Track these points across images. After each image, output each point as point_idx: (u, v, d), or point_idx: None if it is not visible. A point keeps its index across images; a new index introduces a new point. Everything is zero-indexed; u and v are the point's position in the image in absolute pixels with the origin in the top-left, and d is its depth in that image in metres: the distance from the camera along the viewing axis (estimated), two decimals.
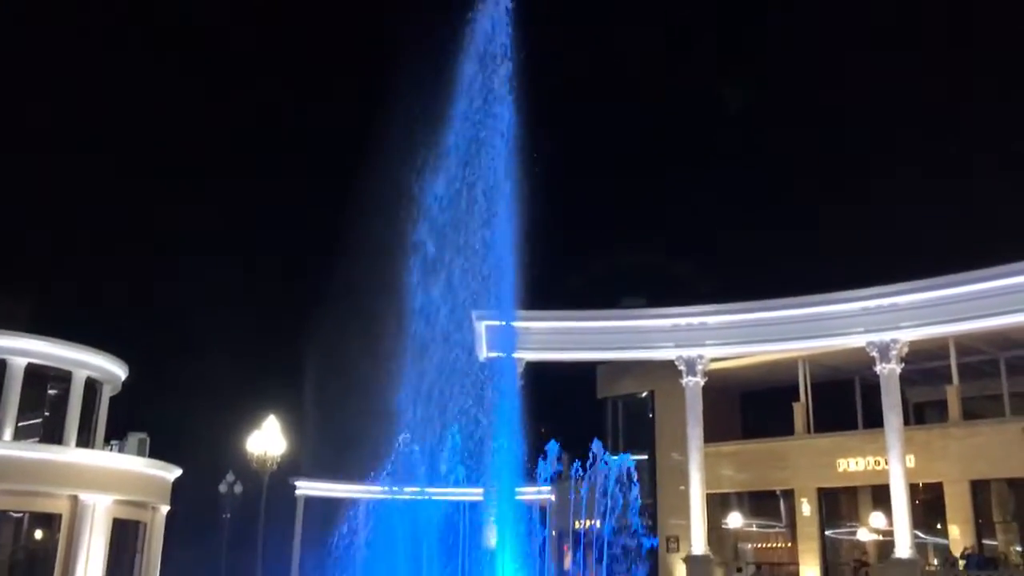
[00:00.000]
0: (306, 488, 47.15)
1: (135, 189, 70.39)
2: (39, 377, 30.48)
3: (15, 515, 28.97)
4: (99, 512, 29.02)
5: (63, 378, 31.08)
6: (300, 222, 76.85)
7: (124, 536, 30.95)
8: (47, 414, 31.33)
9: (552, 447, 21.82)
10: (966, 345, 30.34)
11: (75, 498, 28.61)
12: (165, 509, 33.41)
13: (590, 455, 21.90)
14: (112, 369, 32.93)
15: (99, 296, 60.39)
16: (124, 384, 34.56)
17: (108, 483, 29.53)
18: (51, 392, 31.33)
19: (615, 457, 21.85)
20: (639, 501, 20.83)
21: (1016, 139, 52.19)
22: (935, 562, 29.30)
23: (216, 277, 67.84)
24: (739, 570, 31.30)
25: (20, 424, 29.88)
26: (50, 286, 54.55)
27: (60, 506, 28.65)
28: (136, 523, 31.76)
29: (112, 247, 67.68)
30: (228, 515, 37.02)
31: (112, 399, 34.38)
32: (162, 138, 73.95)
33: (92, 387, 32.30)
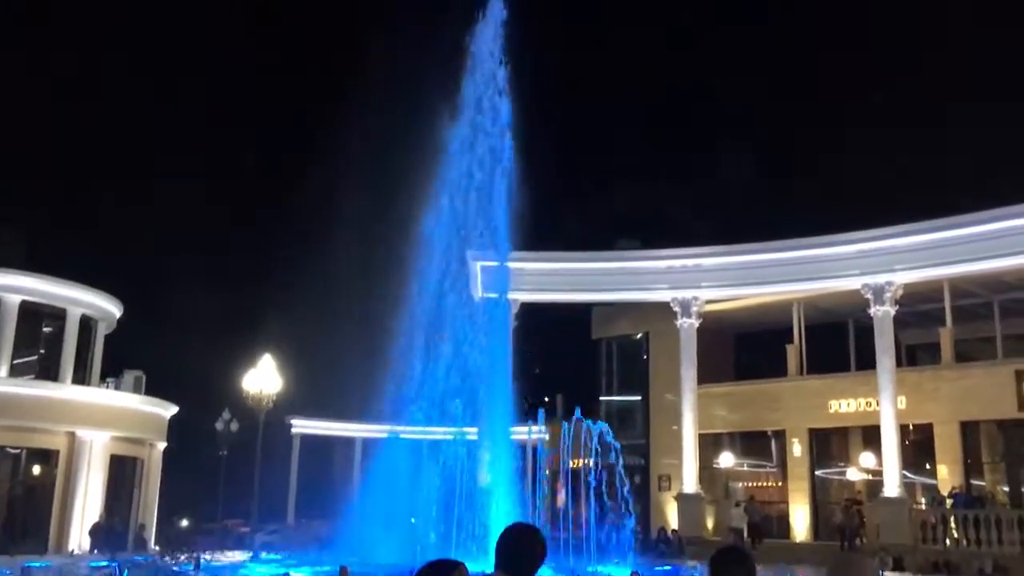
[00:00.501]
0: (302, 426, 47.55)
1: (128, 126, 69.74)
2: (33, 314, 30.46)
3: (12, 451, 29.21)
4: (96, 448, 29.26)
5: (57, 315, 31.06)
6: (294, 160, 76.32)
7: (122, 472, 31.26)
8: (42, 351, 31.40)
9: (540, 415, 22.16)
10: (960, 288, 30.39)
11: (72, 434, 28.81)
12: (162, 446, 33.68)
13: (572, 416, 22.25)
14: (106, 307, 32.90)
15: (94, 234, 60.18)
16: (119, 322, 34.56)
17: (105, 420, 29.72)
18: (46, 330, 31.36)
19: (594, 423, 22.19)
20: (621, 460, 21.18)
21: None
22: (923, 501, 29.71)
23: (212, 214, 67.50)
24: (737, 504, 31.84)
25: (15, 361, 29.96)
26: (45, 223, 54.29)
27: (57, 442, 28.87)
28: (134, 459, 32.05)
29: (108, 185, 67.24)
30: (225, 452, 37.35)
31: (107, 337, 34.42)
32: (152, 75, 73.04)
33: (87, 325, 32.30)
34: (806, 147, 65.95)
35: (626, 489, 21.10)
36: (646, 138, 75.47)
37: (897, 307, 29.22)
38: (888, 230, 29.03)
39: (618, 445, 21.45)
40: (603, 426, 21.61)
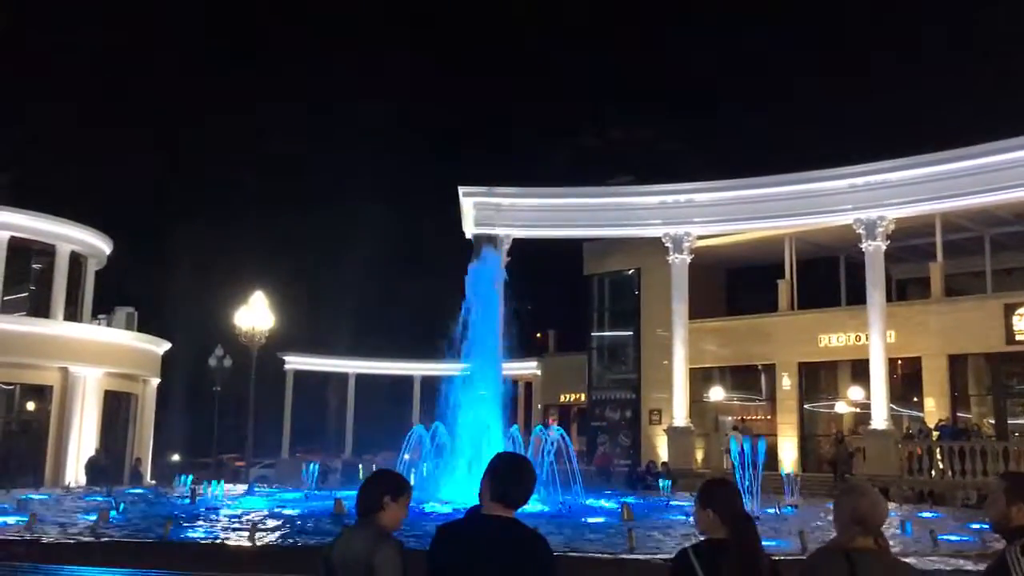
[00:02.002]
0: (295, 362, 47.82)
1: (118, 60, 68.63)
2: (23, 251, 30.32)
3: (6, 387, 29.34)
4: (90, 384, 29.38)
5: (47, 252, 30.91)
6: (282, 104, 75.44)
7: (116, 407, 31.45)
8: (33, 288, 31.32)
9: (514, 431, 22.26)
10: (952, 222, 30.36)
11: (65, 370, 28.90)
12: (156, 382, 33.83)
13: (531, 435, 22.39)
14: (96, 243, 32.74)
15: (83, 169, 59.54)
16: (110, 258, 34.42)
17: (98, 356, 29.79)
18: (36, 266, 31.25)
19: (549, 428, 22.36)
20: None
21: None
22: (909, 432, 30.06)
23: (205, 151, 66.87)
24: (735, 428, 32.33)
25: (6, 298, 29.90)
26: (35, 159, 53.67)
27: (51, 378, 28.97)
28: (128, 395, 32.22)
29: (97, 120, 66.35)
30: (218, 388, 37.56)
31: (98, 273, 34.31)
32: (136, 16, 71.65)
33: (77, 261, 32.17)
34: (800, 82, 65.35)
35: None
36: (640, 74, 74.65)
37: (888, 242, 29.23)
38: (881, 164, 28.91)
39: (571, 446, 21.59)
40: (558, 433, 21.86)
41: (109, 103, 69.73)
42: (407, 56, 70.75)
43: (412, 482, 4.68)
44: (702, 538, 4.16)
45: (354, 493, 4.46)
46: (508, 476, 4.19)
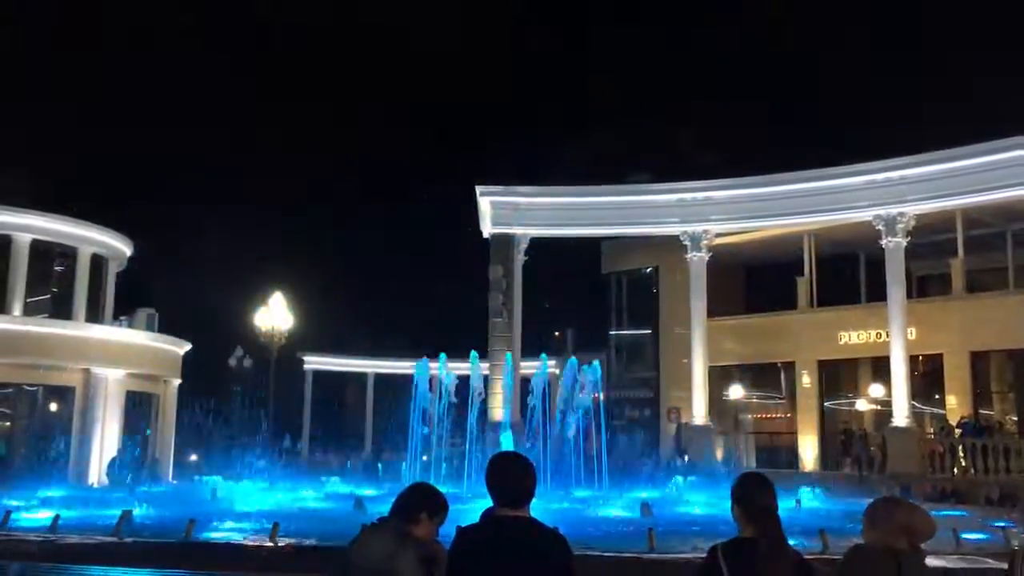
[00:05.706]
0: (314, 362, 48.00)
1: (137, 58, 69.11)
2: (44, 253, 30.58)
3: (30, 388, 29.60)
4: (112, 385, 29.60)
5: (68, 254, 31.18)
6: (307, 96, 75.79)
7: (138, 408, 31.67)
8: (54, 290, 31.58)
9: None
10: (973, 218, 30.13)
11: (88, 371, 29.13)
12: (177, 382, 34.04)
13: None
14: (117, 245, 32.99)
15: (104, 172, 59.99)
16: (130, 260, 34.64)
17: (120, 357, 30.01)
18: (57, 268, 31.49)
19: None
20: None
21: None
22: (931, 430, 29.89)
23: (224, 151, 67.21)
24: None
25: (28, 300, 30.15)
26: (53, 162, 54.09)
27: (73, 379, 29.19)
28: (149, 395, 32.44)
29: (116, 122, 66.85)
30: (239, 388, 37.77)
31: (118, 275, 34.54)
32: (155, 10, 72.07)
33: (98, 263, 32.41)
34: (816, 76, 65.03)
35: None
36: (655, 70, 74.43)
37: (909, 238, 29.01)
38: (900, 160, 28.69)
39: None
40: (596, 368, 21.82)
41: (128, 106, 70.21)
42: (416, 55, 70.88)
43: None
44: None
45: (374, 492, 4.49)
46: (500, 478, 4.19)
